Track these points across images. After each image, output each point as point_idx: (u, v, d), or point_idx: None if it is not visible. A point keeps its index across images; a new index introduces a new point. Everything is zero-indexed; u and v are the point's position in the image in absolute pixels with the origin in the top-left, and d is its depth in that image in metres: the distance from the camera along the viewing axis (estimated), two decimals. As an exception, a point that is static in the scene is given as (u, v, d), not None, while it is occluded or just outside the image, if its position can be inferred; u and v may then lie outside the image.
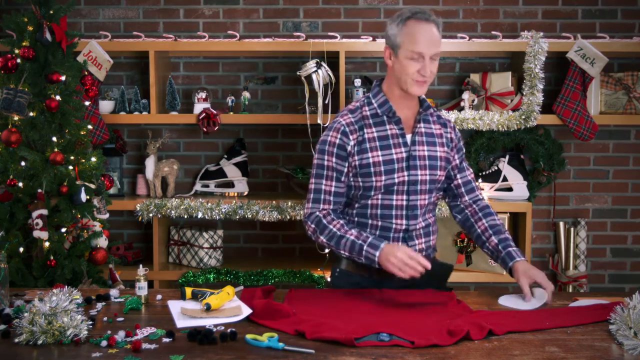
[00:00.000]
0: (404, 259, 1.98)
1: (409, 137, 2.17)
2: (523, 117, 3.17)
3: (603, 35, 3.31)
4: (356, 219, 2.20)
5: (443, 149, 2.22)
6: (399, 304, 1.99)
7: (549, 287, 2.04)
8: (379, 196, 2.15)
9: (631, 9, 3.48)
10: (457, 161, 2.28)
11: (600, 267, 3.59)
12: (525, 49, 3.19)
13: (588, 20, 3.49)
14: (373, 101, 2.19)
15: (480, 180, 3.37)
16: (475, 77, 3.38)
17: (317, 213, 2.17)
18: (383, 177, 2.13)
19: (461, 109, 3.27)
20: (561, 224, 3.49)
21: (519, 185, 3.34)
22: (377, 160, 2.13)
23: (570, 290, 3.41)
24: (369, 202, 2.17)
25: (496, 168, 3.38)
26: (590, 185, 3.57)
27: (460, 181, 2.29)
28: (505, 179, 3.34)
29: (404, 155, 2.14)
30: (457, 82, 3.54)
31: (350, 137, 2.14)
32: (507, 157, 3.37)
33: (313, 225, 2.17)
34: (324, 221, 2.15)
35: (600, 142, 3.54)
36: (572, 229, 3.48)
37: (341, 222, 2.15)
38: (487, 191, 3.34)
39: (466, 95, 3.27)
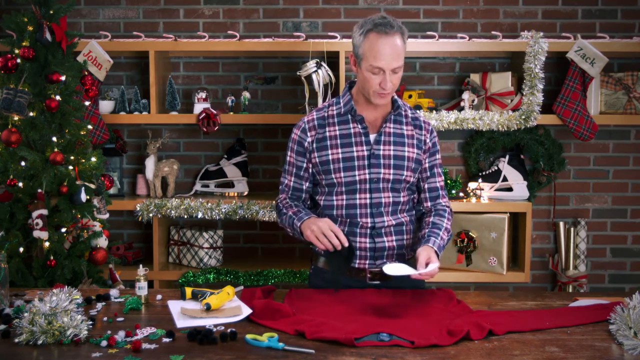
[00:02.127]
0: (324, 229, 2.04)
1: (373, 136, 2.19)
2: (523, 117, 3.17)
3: (603, 35, 3.31)
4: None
5: (412, 149, 2.21)
6: (399, 304, 1.99)
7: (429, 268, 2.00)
8: (344, 196, 2.19)
9: (631, 9, 3.48)
10: (427, 165, 2.27)
11: (600, 267, 3.59)
12: (525, 49, 3.19)
13: (588, 20, 3.49)
14: (340, 101, 2.23)
15: (480, 180, 3.37)
16: (475, 77, 3.38)
17: (278, 201, 2.29)
18: (342, 174, 2.16)
19: (461, 109, 3.27)
20: (561, 224, 3.49)
21: (519, 185, 3.34)
22: (337, 157, 2.17)
23: (570, 290, 3.41)
24: (335, 202, 2.20)
25: (496, 168, 3.38)
26: (590, 185, 3.57)
27: (426, 186, 2.28)
28: (505, 179, 3.34)
29: (366, 153, 2.17)
30: (457, 82, 3.54)
31: (308, 134, 2.22)
32: (507, 157, 3.37)
33: (275, 213, 2.33)
34: (280, 206, 2.27)
35: (600, 142, 3.54)
36: (572, 229, 3.48)
37: (291, 203, 2.25)
38: (487, 191, 3.34)
39: (466, 95, 3.27)
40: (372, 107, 2.20)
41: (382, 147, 2.18)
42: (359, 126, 2.18)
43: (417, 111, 2.45)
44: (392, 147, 2.19)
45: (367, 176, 2.16)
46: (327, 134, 2.20)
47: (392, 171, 2.17)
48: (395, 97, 2.25)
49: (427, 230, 2.19)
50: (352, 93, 2.23)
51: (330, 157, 2.18)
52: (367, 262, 2.20)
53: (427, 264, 2.00)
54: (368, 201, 2.17)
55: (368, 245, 2.18)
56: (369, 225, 2.17)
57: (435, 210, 2.27)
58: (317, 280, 2.29)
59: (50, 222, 2.63)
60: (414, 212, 2.30)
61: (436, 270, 2.00)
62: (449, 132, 3.47)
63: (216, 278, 3.25)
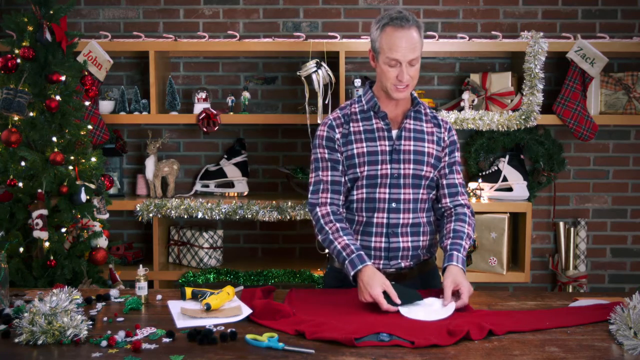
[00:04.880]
0: (370, 300, 1.98)
1: (395, 132, 2.21)
2: (523, 117, 3.17)
3: (603, 35, 3.31)
4: (345, 214, 2.25)
5: (432, 145, 2.23)
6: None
7: (464, 298, 1.96)
8: (364, 190, 2.20)
9: (631, 9, 3.48)
10: (446, 162, 2.27)
11: (600, 267, 3.59)
12: (525, 49, 3.19)
13: (588, 20, 3.49)
14: (362, 99, 2.26)
15: (480, 180, 3.37)
16: (475, 77, 3.38)
17: (318, 211, 2.21)
18: (366, 168, 2.18)
19: (461, 109, 3.27)
20: (561, 224, 3.49)
21: (519, 185, 3.34)
22: (362, 151, 2.19)
23: (570, 290, 3.41)
24: (355, 196, 2.21)
25: (496, 168, 3.38)
26: (590, 185, 3.57)
27: (445, 182, 2.28)
28: (505, 179, 3.34)
29: (388, 148, 2.18)
30: (457, 82, 3.54)
31: (336, 130, 2.23)
32: (507, 157, 3.37)
33: (314, 222, 2.24)
34: (322, 222, 2.20)
35: (600, 142, 3.54)
36: (572, 229, 3.48)
37: (337, 225, 2.16)
38: (487, 191, 3.34)
39: (466, 95, 3.27)
40: (392, 104, 2.22)
41: (403, 142, 2.19)
42: (382, 122, 2.21)
43: (435, 111, 2.46)
44: (412, 143, 2.20)
45: (389, 171, 2.17)
46: (352, 129, 2.22)
47: (412, 166, 2.18)
48: (415, 94, 2.27)
49: (449, 242, 2.15)
50: (373, 91, 2.26)
51: (355, 151, 2.20)
52: (382, 262, 2.19)
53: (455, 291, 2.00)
54: (387, 196, 2.18)
55: (383, 245, 2.19)
56: (384, 222, 2.18)
57: (456, 213, 2.24)
58: (332, 281, 2.30)
59: (50, 222, 2.63)
60: (432, 213, 2.29)
61: (470, 290, 1.99)
62: (449, 132, 3.47)
63: (216, 278, 3.25)
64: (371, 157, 2.18)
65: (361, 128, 2.21)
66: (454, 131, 2.30)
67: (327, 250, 2.29)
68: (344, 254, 2.10)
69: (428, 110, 2.29)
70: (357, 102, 2.28)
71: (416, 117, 2.25)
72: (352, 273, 2.06)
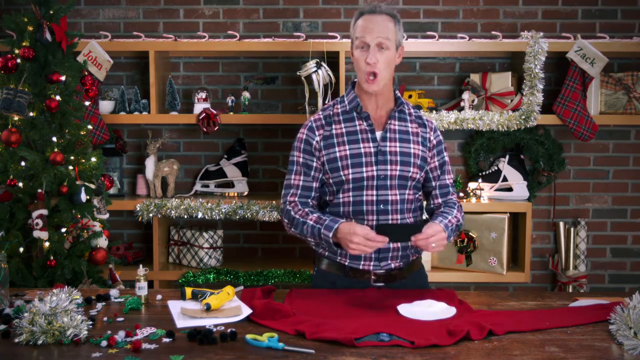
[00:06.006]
0: (362, 243, 2.00)
1: (379, 133, 2.20)
2: (523, 117, 3.17)
3: (603, 35, 3.31)
4: (316, 209, 2.26)
5: (418, 146, 2.23)
6: (399, 303, 1.99)
7: (427, 231, 2.03)
8: (350, 193, 2.19)
9: (631, 9, 3.48)
10: (436, 164, 2.28)
11: (600, 267, 3.59)
12: (525, 49, 3.19)
13: (588, 20, 3.49)
14: (345, 99, 2.26)
15: (480, 180, 3.37)
16: (475, 77, 3.38)
17: (287, 206, 2.24)
18: (350, 171, 2.17)
19: (461, 109, 3.27)
20: (561, 224, 3.49)
21: (519, 185, 3.34)
22: (344, 154, 2.18)
23: (570, 290, 3.41)
24: (342, 200, 2.21)
25: (496, 168, 3.38)
26: (590, 185, 3.57)
27: (437, 184, 2.30)
28: (505, 179, 3.34)
29: (372, 150, 2.18)
30: (457, 82, 3.54)
31: (316, 133, 2.22)
32: (507, 157, 3.37)
33: (285, 219, 2.25)
34: (292, 213, 2.22)
35: (600, 142, 3.54)
36: (572, 229, 3.48)
37: (306, 210, 2.20)
38: (487, 191, 3.34)
39: (466, 95, 3.27)
40: (373, 103, 2.22)
41: (388, 143, 2.19)
42: (365, 123, 2.20)
43: (419, 110, 2.46)
44: (398, 144, 2.20)
45: (375, 173, 2.17)
46: (334, 131, 2.21)
47: (398, 167, 2.18)
48: (398, 94, 2.26)
49: (435, 215, 2.22)
50: (356, 90, 2.25)
51: (337, 154, 2.19)
52: (372, 263, 2.19)
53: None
54: (374, 198, 2.17)
55: None
56: (373, 224, 2.16)
57: (446, 204, 2.29)
58: (320, 282, 2.29)
59: (50, 222, 2.63)
60: (418, 213, 2.30)
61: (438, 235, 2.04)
62: (449, 132, 3.47)
63: (216, 278, 3.25)
64: (355, 159, 2.17)
65: (344, 130, 2.20)
66: (439, 131, 2.32)
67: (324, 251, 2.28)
68: (317, 225, 2.12)
69: (412, 110, 2.28)
70: (339, 102, 2.27)
71: (400, 118, 2.24)
72: (330, 235, 2.07)
